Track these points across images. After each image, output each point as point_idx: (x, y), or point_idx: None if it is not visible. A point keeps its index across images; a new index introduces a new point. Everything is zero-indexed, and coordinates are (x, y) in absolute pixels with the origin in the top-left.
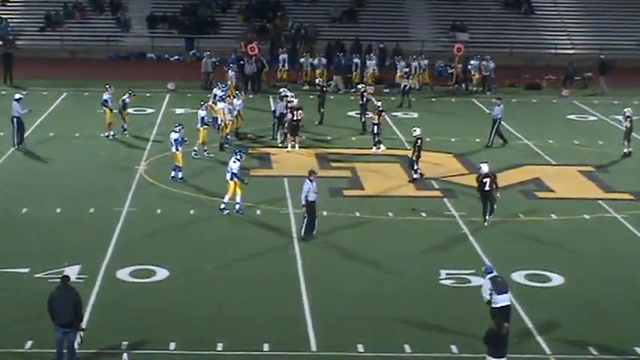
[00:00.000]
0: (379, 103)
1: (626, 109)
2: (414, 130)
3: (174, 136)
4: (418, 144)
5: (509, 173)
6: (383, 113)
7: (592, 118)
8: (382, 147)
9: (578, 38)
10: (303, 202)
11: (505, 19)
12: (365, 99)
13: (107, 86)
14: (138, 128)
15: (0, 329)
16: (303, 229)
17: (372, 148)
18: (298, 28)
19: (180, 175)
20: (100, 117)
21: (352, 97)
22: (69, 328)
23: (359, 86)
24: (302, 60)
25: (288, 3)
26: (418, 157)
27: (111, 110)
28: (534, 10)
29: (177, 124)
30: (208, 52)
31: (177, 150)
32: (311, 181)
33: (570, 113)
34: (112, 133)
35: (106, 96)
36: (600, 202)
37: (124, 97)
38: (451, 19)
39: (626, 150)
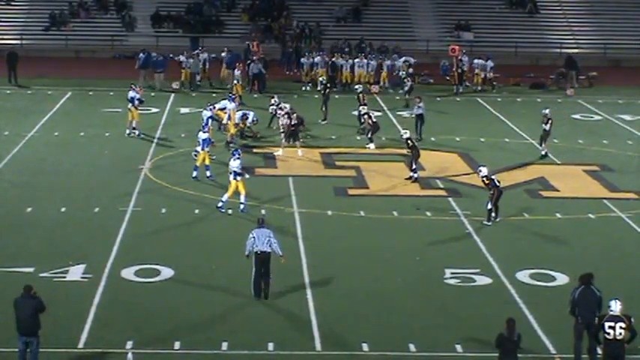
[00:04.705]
0: (361, 107)
1: (546, 111)
2: (405, 133)
3: (203, 135)
4: (410, 145)
5: (514, 172)
6: (365, 116)
7: (597, 117)
8: (372, 145)
9: (583, 37)
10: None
11: (510, 19)
12: (360, 101)
13: (132, 85)
14: (142, 127)
15: (3, 329)
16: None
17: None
18: (303, 28)
19: (195, 173)
20: (102, 116)
21: (356, 97)
22: (29, 338)
23: (355, 87)
24: (303, 60)
25: (292, 2)
26: (417, 156)
27: (136, 108)
28: (539, 10)
29: (209, 104)
30: (198, 50)
31: (202, 149)
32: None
33: (575, 112)
34: (135, 132)
35: (132, 94)
36: (605, 201)
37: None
38: (456, 19)
39: (543, 152)
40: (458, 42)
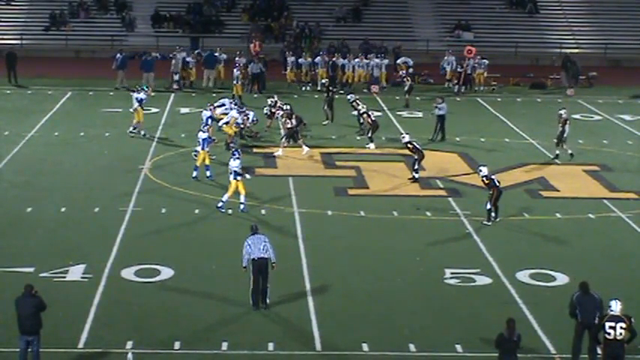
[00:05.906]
0: (360, 107)
1: (562, 111)
2: (404, 137)
3: (202, 135)
4: (410, 147)
5: (514, 172)
6: (364, 115)
7: (597, 117)
8: (372, 145)
9: (583, 37)
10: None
11: (510, 19)
12: (356, 105)
13: (139, 87)
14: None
15: (4, 329)
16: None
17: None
18: (303, 28)
19: (195, 173)
20: (102, 116)
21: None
22: (31, 337)
23: (348, 97)
24: (301, 60)
25: (292, 2)
26: (421, 158)
27: (142, 109)
28: (539, 10)
29: (209, 104)
30: (179, 47)
31: (202, 149)
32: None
33: (575, 112)
34: (142, 132)
35: (142, 95)
36: (605, 201)
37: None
38: (456, 19)
39: (558, 152)
40: (458, 42)
